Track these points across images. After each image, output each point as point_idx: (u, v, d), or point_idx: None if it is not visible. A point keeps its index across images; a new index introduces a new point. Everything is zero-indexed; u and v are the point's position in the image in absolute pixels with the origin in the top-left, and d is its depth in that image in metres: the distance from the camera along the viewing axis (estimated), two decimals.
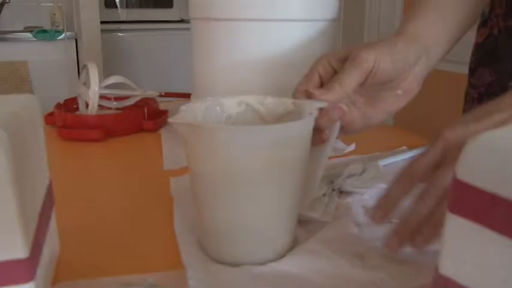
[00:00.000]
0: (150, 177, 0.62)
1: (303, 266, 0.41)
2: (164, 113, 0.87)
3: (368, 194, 0.54)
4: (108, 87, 0.83)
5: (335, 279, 0.39)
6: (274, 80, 0.66)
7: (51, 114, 0.85)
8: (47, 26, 2.36)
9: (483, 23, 0.76)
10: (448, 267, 0.29)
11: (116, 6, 2.45)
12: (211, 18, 0.68)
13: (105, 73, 2.21)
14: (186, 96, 0.88)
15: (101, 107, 0.87)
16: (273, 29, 0.65)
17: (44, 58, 2.25)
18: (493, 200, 0.25)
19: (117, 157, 0.74)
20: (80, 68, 2.23)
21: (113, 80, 0.82)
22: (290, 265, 0.41)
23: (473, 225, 0.26)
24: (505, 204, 0.24)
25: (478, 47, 0.78)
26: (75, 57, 2.29)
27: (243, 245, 0.42)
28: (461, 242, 0.27)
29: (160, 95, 0.87)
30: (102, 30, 2.28)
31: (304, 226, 0.48)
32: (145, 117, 0.82)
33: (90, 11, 2.15)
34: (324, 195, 0.53)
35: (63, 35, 2.24)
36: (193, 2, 0.71)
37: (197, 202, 0.43)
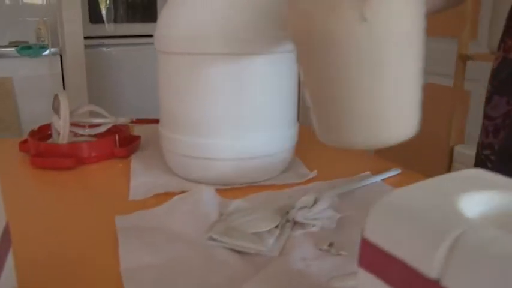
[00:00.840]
0: (115, 208, 0.64)
1: None
2: (137, 138, 0.89)
3: (318, 226, 0.56)
4: (81, 115, 0.85)
5: None
6: (236, 112, 0.69)
7: (25, 142, 0.87)
8: (33, 40, 2.37)
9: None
10: None
11: (102, 21, 2.47)
12: (174, 52, 0.70)
13: (90, 88, 2.23)
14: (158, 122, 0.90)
15: (74, 134, 0.89)
16: (235, 63, 0.67)
17: (28, 74, 2.26)
18: (388, 257, 0.27)
19: (87, 186, 0.76)
20: (64, 84, 2.25)
21: (85, 108, 0.84)
22: None
23: (376, 280, 0.28)
24: (395, 261, 0.26)
25: (493, 73, 0.73)
26: (60, 72, 2.30)
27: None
28: None
29: (132, 122, 0.89)
30: (88, 46, 2.30)
31: (250, 260, 0.50)
32: (117, 144, 0.84)
33: (73, 26, 2.17)
34: (277, 227, 0.55)
35: (47, 51, 2.26)
36: (157, 35, 0.73)
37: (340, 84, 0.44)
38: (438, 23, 2.10)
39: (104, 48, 2.45)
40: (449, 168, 1.69)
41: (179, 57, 0.70)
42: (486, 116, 0.72)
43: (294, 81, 0.73)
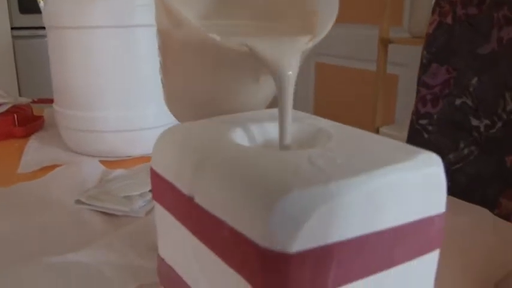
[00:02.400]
0: (2, 182, 0.63)
1: (95, 258, 0.44)
2: (38, 118, 0.88)
3: None
4: None
5: (122, 269, 0.43)
6: (124, 84, 0.70)
7: None
8: None
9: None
10: (162, 249, 0.32)
11: (35, 12, 2.41)
12: (63, 27, 0.70)
13: (24, 79, 2.18)
14: None
15: None
16: (121, 35, 0.68)
17: None
18: (166, 185, 0.29)
19: None
20: None
21: None
22: (84, 257, 0.44)
23: (163, 210, 0.30)
24: (169, 186, 0.28)
25: (429, 39, 0.69)
26: None
27: None
28: (163, 226, 0.31)
29: (33, 101, 0.88)
30: (20, 36, 2.25)
31: (116, 221, 0.51)
32: (16, 124, 0.84)
33: None
34: (151, 190, 0.57)
35: None
36: (46, 11, 0.72)
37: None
38: (364, 10, 2.16)
39: (39, 39, 2.40)
40: None
41: (68, 31, 0.70)
42: (423, 84, 0.69)
43: None
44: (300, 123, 0.30)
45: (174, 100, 0.43)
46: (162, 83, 0.44)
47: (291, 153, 0.24)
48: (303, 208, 0.20)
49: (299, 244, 0.20)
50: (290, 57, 0.27)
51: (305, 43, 0.29)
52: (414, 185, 0.24)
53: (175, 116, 0.44)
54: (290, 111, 0.28)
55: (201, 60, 0.34)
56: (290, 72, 0.27)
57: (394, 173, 0.23)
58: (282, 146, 0.28)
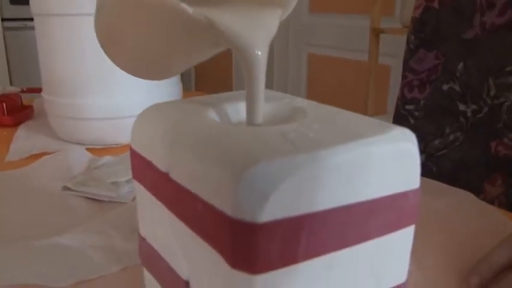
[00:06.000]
0: None
1: (80, 240, 0.44)
2: (27, 107, 0.88)
3: None
4: None
5: (107, 252, 0.43)
6: (111, 71, 0.69)
7: None
8: None
9: None
10: (142, 229, 0.33)
11: (25, 3, 2.39)
12: (49, 14, 0.70)
13: (12, 70, 2.17)
14: None
15: None
16: None
17: None
18: (144, 163, 0.29)
19: None
20: None
21: None
22: (69, 240, 0.44)
23: (142, 189, 0.30)
24: (148, 164, 0.28)
25: (416, 24, 0.69)
26: None
27: None
28: (143, 205, 0.31)
29: (22, 91, 0.88)
30: (11, 28, 2.24)
31: (104, 206, 0.52)
32: (5, 113, 0.83)
33: None
34: None
35: None
36: None
37: None
38: (355, 0, 2.15)
39: (30, 30, 2.39)
40: None
41: (55, 19, 0.70)
42: (410, 70, 0.68)
43: None
44: (276, 102, 0.31)
45: (106, 36, 0.38)
46: (96, 14, 0.38)
47: (265, 128, 0.25)
48: (270, 179, 0.20)
49: (267, 214, 0.20)
50: (259, 33, 0.25)
51: (275, 17, 0.27)
52: (386, 160, 0.24)
53: (105, 52, 0.40)
54: (261, 93, 0.27)
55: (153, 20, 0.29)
56: (259, 52, 0.26)
57: (364, 147, 0.23)
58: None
